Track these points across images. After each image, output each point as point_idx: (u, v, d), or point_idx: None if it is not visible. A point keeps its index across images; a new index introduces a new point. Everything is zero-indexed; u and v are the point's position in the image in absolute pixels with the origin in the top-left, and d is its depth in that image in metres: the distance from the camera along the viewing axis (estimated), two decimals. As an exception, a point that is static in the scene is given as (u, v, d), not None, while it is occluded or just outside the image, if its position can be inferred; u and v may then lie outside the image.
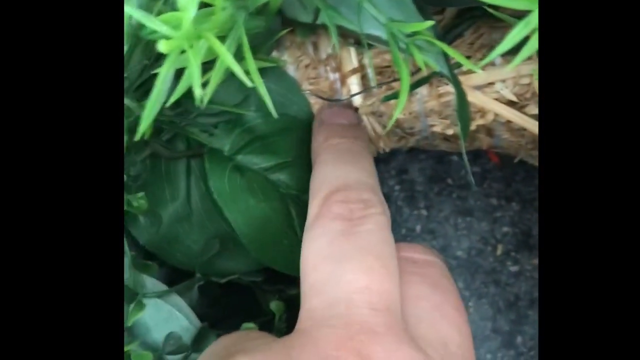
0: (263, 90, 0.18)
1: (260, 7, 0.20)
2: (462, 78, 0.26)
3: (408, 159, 0.37)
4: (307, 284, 0.21)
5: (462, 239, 0.36)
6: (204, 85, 0.18)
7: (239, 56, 0.18)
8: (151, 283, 0.27)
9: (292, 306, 0.27)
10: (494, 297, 0.35)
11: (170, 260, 0.30)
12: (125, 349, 0.25)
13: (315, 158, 0.26)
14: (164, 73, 0.17)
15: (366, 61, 0.28)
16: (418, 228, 0.36)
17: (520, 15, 0.17)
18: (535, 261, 0.35)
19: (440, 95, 0.27)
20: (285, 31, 0.25)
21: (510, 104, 0.27)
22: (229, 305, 0.31)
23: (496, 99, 0.27)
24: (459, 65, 0.26)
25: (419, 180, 0.36)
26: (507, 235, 0.36)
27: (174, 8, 0.17)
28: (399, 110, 0.21)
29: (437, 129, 0.29)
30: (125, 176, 0.25)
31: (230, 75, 0.19)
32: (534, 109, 0.27)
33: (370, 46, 0.27)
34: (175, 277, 0.29)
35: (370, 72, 0.28)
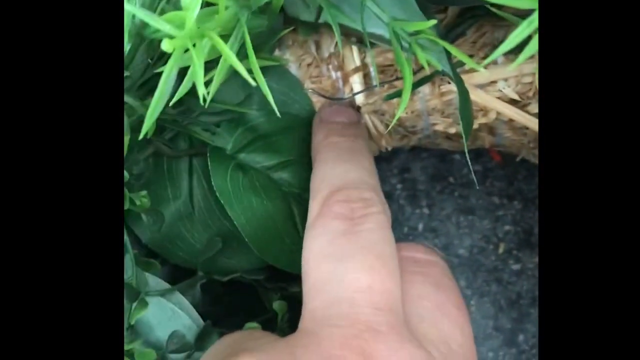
0: (265, 89, 0.18)
1: (263, 6, 0.20)
2: (464, 77, 0.26)
3: (410, 158, 0.37)
4: (308, 284, 0.21)
5: (464, 238, 0.36)
6: (207, 84, 0.18)
7: (241, 55, 0.18)
8: (154, 281, 0.27)
9: (294, 304, 0.27)
10: (496, 296, 0.35)
11: (173, 259, 0.30)
12: (128, 347, 0.25)
13: (315, 156, 0.26)
14: (168, 72, 0.17)
15: (368, 60, 0.28)
16: (420, 226, 0.36)
17: (523, 14, 0.17)
18: (537, 259, 0.35)
19: (442, 94, 0.27)
20: (287, 30, 0.25)
21: (512, 102, 0.27)
22: (231, 303, 0.31)
23: (498, 98, 0.27)
24: (461, 63, 0.26)
25: (421, 179, 0.36)
26: (509, 234, 0.36)
27: (177, 7, 0.17)
28: (401, 109, 0.21)
29: (440, 127, 0.29)
30: (128, 174, 0.25)
31: (232, 74, 0.19)
32: (536, 108, 0.27)
33: (372, 45, 0.27)
34: (177, 276, 0.29)
35: (372, 70, 0.28)
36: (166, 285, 0.27)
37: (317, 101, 0.29)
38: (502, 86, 0.27)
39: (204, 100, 0.17)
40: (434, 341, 0.21)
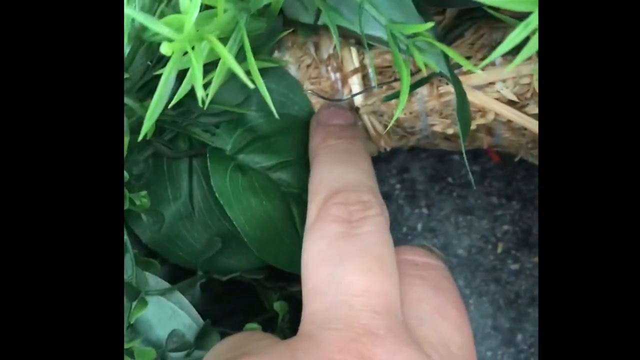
0: (264, 92, 0.18)
1: (262, 9, 0.20)
2: (462, 78, 0.26)
3: (409, 158, 0.37)
4: (308, 287, 0.21)
5: (463, 237, 0.36)
6: (206, 86, 0.18)
7: (240, 57, 0.18)
8: (154, 281, 0.27)
9: (294, 303, 0.27)
10: (495, 295, 0.36)
11: (173, 259, 0.30)
12: (128, 345, 0.25)
13: (312, 159, 0.26)
14: (167, 75, 0.17)
15: (367, 61, 0.28)
16: (419, 226, 0.36)
17: (520, 16, 0.17)
18: (536, 259, 0.36)
19: (440, 95, 0.28)
20: (287, 32, 0.25)
21: (510, 103, 0.27)
22: (231, 302, 0.31)
23: (497, 99, 0.27)
24: (459, 65, 0.26)
25: (420, 179, 0.36)
26: (508, 234, 0.36)
27: (177, 10, 0.17)
28: (399, 111, 0.21)
29: (438, 128, 0.29)
30: (128, 175, 0.25)
31: (232, 76, 0.19)
32: (534, 109, 0.27)
33: (371, 46, 0.27)
34: (177, 275, 0.29)
35: (371, 72, 0.28)
36: (166, 285, 0.27)
37: (316, 102, 0.29)
38: (500, 87, 0.27)
39: (203, 102, 0.17)
40: (433, 344, 0.21)
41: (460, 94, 0.24)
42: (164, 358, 0.27)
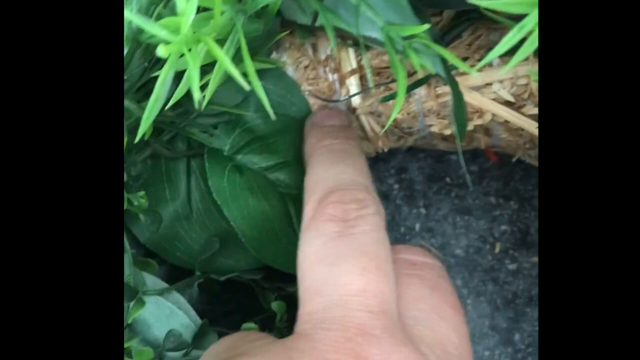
0: (261, 93, 0.18)
1: (259, 11, 0.20)
2: (459, 79, 0.26)
3: (407, 158, 0.37)
4: (304, 287, 0.21)
5: (461, 237, 0.36)
6: (203, 87, 0.18)
7: (238, 58, 0.18)
8: (152, 281, 0.27)
9: (291, 303, 0.27)
10: (492, 295, 0.36)
11: (171, 259, 0.30)
12: (126, 345, 0.25)
13: (308, 160, 0.26)
14: (163, 77, 0.17)
15: (365, 62, 0.28)
16: (417, 226, 0.36)
17: (516, 17, 0.17)
18: (534, 259, 0.36)
19: (438, 96, 0.28)
20: (284, 33, 0.25)
21: (507, 104, 0.27)
22: (228, 302, 0.31)
23: (494, 100, 0.27)
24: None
25: (418, 179, 0.37)
26: (506, 234, 0.36)
27: (174, 12, 0.17)
28: (396, 112, 0.21)
29: (435, 128, 0.29)
30: (126, 176, 0.25)
31: (230, 77, 0.19)
32: (532, 109, 0.27)
33: (368, 47, 0.27)
34: (175, 275, 0.29)
35: (368, 73, 0.28)
36: (164, 285, 0.27)
37: (313, 103, 0.29)
38: (497, 88, 0.27)
39: (200, 104, 0.17)
40: (429, 344, 0.21)
41: (457, 95, 0.24)
42: (161, 358, 0.27)
